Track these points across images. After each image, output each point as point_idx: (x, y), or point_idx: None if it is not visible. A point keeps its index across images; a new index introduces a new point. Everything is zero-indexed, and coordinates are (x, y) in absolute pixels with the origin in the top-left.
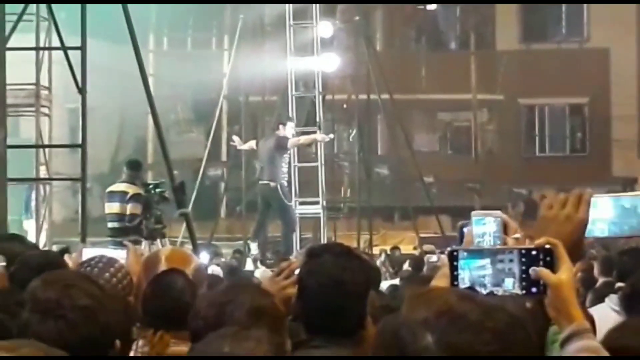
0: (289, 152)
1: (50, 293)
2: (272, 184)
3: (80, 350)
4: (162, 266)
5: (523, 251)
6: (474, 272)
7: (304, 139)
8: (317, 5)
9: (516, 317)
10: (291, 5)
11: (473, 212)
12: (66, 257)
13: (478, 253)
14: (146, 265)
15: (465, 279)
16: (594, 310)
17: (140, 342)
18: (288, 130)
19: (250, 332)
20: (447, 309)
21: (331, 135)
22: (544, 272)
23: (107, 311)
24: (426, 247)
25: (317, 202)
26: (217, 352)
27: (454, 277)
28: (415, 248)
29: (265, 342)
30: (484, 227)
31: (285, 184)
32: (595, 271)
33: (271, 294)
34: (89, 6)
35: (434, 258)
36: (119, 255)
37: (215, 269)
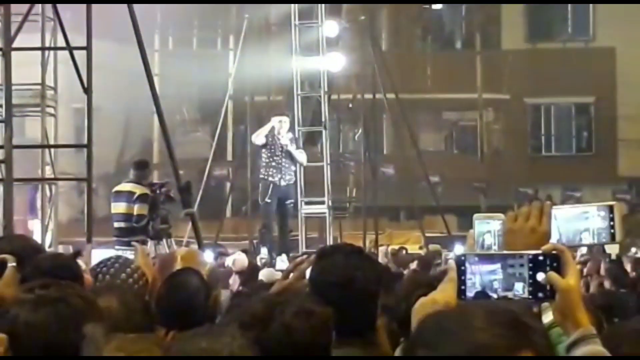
0: (267, 147)
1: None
2: None
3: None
4: (178, 266)
5: (531, 256)
6: (485, 277)
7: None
8: (323, 4)
9: None
10: (296, 5)
11: (475, 215)
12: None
13: (489, 258)
14: (162, 265)
15: (476, 283)
16: None
17: None
18: (276, 125)
19: (224, 328)
20: None
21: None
22: (554, 276)
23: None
24: (432, 246)
25: (322, 202)
26: (195, 348)
27: (461, 282)
28: (421, 248)
29: (239, 337)
30: (487, 226)
31: (265, 180)
32: None
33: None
34: (94, 6)
35: (450, 256)
36: (127, 255)
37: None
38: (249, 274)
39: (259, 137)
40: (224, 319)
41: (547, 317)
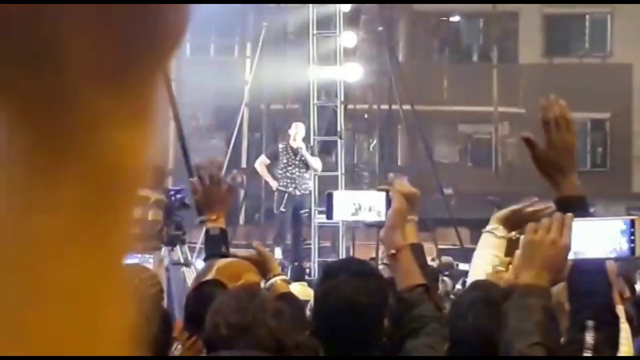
0: (280, 157)
1: None
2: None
3: None
4: (210, 275)
5: None
6: None
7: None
8: (341, 14)
9: None
10: (315, 14)
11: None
12: None
13: None
14: (200, 272)
15: None
16: None
17: (179, 346)
18: (292, 131)
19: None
20: None
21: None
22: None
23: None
24: (444, 258)
25: None
26: None
27: None
28: (433, 259)
29: None
30: None
31: (280, 190)
32: None
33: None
34: None
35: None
36: (145, 262)
37: None
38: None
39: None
40: None
41: None
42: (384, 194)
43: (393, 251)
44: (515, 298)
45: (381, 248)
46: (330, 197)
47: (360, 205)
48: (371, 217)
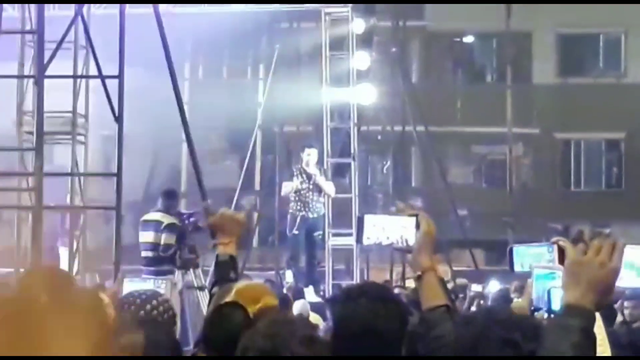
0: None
1: None
2: None
3: None
4: (230, 297)
5: None
6: None
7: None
8: (354, 36)
9: None
10: (327, 35)
11: (534, 265)
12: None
13: None
14: (219, 294)
15: None
16: None
17: None
18: (305, 157)
19: None
20: None
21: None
22: None
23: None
24: (459, 280)
25: (350, 234)
26: None
27: None
28: (448, 281)
29: None
30: (553, 283)
31: (293, 213)
32: None
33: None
34: (126, 33)
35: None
36: (158, 286)
37: None
38: (282, 305)
39: (286, 189)
40: None
41: None
42: (414, 219)
43: (419, 273)
44: (555, 317)
45: (395, 270)
46: (361, 220)
47: (391, 230)
48: (401, 243)
